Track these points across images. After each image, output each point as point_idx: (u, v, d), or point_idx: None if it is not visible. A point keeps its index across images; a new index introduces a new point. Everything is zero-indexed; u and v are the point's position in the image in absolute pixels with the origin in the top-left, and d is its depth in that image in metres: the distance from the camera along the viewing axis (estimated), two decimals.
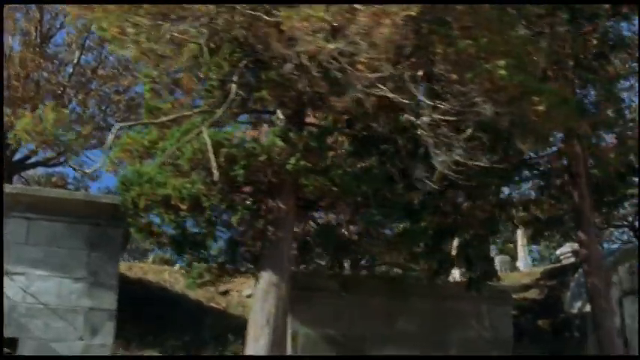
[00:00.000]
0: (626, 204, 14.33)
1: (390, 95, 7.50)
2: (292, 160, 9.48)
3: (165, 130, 10.48)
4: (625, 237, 39.44)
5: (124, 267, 15.51)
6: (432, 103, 7.67)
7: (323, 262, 12.17)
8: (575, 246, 25.52)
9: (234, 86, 9.67)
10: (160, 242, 10.55)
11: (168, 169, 9.90)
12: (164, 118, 10.45)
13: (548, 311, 15.20)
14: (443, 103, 7.71)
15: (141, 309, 12.51)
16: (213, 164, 8.87)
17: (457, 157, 7.85)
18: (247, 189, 10.62)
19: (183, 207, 9.69)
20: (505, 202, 13.05)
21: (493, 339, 13.53)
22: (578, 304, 14.76)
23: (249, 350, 9.77)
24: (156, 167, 9.98)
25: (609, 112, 10.56)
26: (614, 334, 12.48)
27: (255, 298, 10.04)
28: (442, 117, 7.56)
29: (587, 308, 14.60)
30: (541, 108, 7.81)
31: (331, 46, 6.59)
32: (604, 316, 12.52)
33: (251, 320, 9.89)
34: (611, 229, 39.06)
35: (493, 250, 36.38)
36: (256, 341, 9.75)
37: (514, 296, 16.19)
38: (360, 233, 11.52)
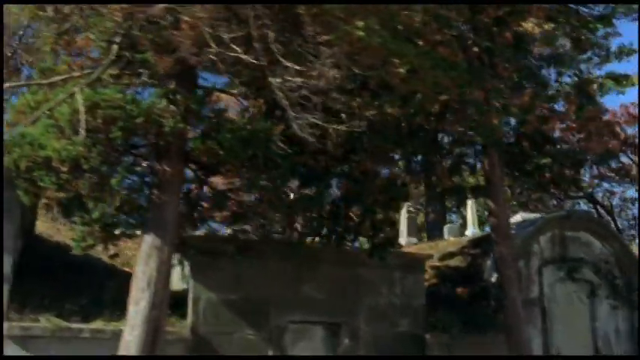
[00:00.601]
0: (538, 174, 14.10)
1: (243, 56, 7.33)
2: (170, 122, 9.35)
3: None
4: (585, 208, 39.72)
5: (50, 230, 15.42)
6: (288, 64, 7.50)
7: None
8: (527, 215, 25.61)
9: (115, 47, 9.55)
10: (49, 205, 10.44)
11: (51, 130, 9.74)
12: (54, 79, 10.31)
13: (468, 279, 15.22)
14: (300, 65, 7.55)
15: (48, 273, 12.39)
16: (82, 124, 8.75)
17: (314, 120, 7.73)
18: (136, 151, 10.55)
19: (64, 169, 9.57)
20: (413, 169, 12.95)
21: (404, 306, 13.52)
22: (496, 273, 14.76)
23: (131, 313, 9.75)
24: (40, 129, 9.82)
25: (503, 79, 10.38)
26: (518, 303, 12.50)
27: (137, 261, 9.97)
28: (298, 78, 7.40)
29: None
30: (401, 70, 7.65)
31: (161, 5, 6.42)
32: (510, 284, 12.54)
33: (133, 283, 9.85)
34: (574, 201, 39.47)
35: (455, 218, 36.53)
36: (137, 304, 9.72)
37: (438, 264, 16.23)
38: (261, 198, 11.40)
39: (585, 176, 38.10)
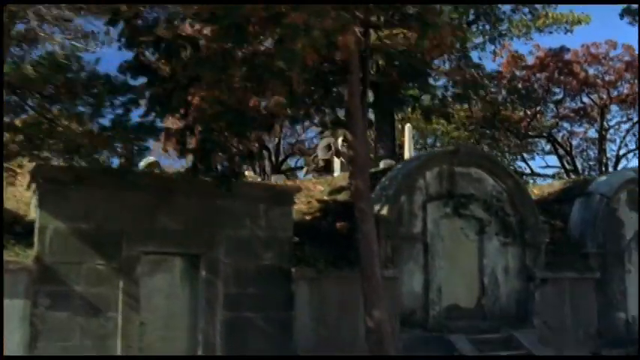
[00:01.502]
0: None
1: None
2: None
3: None
4: (548, 148, 39.32)
5: None
6: None
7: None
8: None
9: None
10: None
11: None
12: None
13: (352, 214, 14.89)
14: None
15: None
16: None
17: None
18: None
19: None
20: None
21: (270, 239, 13.31)
22: (376, 207, 14.52)
23: None
24: None
25: None
26: (372, 238, 12.17)
27: None
28: None
29: (384, 211, 14.42)
30: None
31: None
32: (364, 219, 12.24)
33: None
34: (536, 139, 39.02)
35: None
36: None
37: (326, 198, 16.00)
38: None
39: (547, 116, 37.67)
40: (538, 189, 20.10)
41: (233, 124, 11.17)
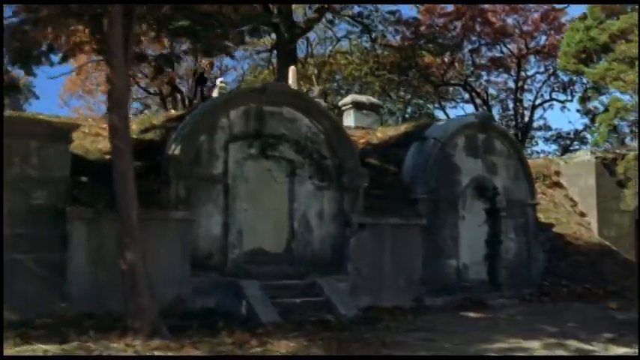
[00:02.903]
0: None
1: None
2: None
3: None
4: (467, 96, 38.79)
5: None
6: None
7: None
8: (358, 97, 24.65)
9: None
10: None
11: None
12: None
13: (154, 153, 14.39)
14: None
15: None
16: None
17: None
18: None
19: None
20: None
21: (43, 177, 12.71)
22: (173, 146, 14.01)
23: None
24: None
25: None
26: (129, 178, 11.66)
27: None
28: None
29: (177, 151, 13.94)
30: None
31: None
32: (120, 157, 11.72)
33: None
34: (456, 88, 38.47)
35: None
36: None
37: (133, 136, 15.41)
38: None
39: (469, 64, 37.06)
40: (382, 132, 19.59)
41: None
